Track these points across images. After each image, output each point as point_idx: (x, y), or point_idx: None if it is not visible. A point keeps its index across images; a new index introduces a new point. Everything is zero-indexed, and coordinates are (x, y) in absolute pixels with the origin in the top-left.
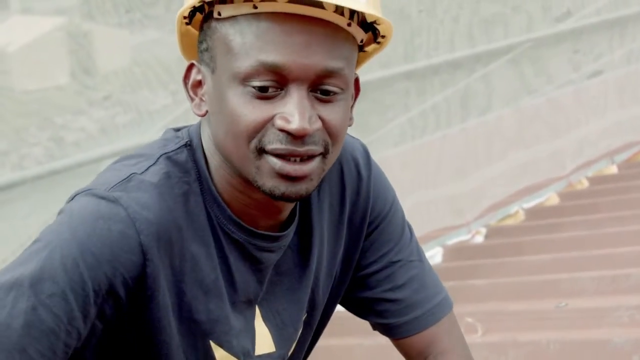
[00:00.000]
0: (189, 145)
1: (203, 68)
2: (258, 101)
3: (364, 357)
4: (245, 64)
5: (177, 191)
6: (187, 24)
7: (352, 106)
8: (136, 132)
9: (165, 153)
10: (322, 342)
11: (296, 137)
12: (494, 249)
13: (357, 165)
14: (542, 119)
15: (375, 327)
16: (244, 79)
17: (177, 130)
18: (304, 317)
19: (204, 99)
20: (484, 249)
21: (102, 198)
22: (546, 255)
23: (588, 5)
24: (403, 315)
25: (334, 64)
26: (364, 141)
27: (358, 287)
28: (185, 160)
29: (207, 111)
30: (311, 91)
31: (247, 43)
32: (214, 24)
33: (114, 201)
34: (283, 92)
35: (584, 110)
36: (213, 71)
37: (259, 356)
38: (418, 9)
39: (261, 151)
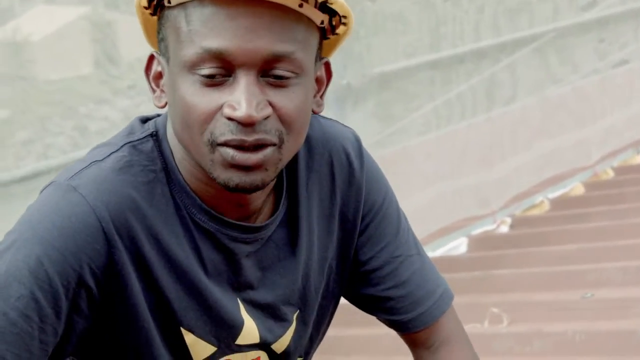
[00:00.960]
0: (154, 136)
1: (161, 59)
2: (207, 89)
3: (392, 346)
4: (190, 51)
5: (141, 179)
6: (151, 14)
7: (323, 92)
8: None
9: (130, 142)
10: (335, 332)
11: (244, 124)
12: (519, 239)
13: (347, 156)
14: (568, 108)
15: (383, 321)
16: (192, 67)
17: (145, 120)
18: (295, 313)
19: (164, 90)
20: (509, 239)
21: (62, 188)
22: (571, 245)
23: None
24: (408, 312)
25: (282, 47)
26: (388, 131)
27: (361, 284)
28: (151, 150)
29: (166, 103)
30: (262, 76)
31: (193, 30)
32: (166, 12)
33: (72, 190)
34: (231, 78)
35: (610, 100)
36: (168, 61)
37: (240, 345)
38: None
39: (214, 144)
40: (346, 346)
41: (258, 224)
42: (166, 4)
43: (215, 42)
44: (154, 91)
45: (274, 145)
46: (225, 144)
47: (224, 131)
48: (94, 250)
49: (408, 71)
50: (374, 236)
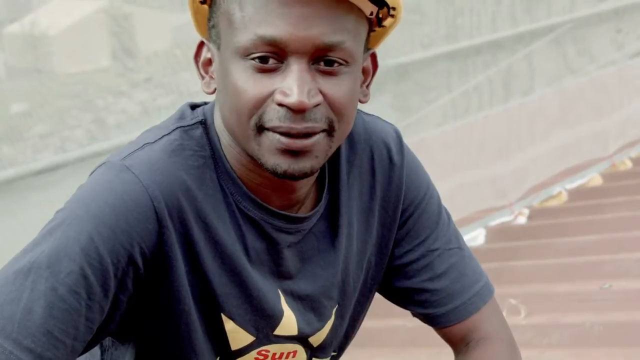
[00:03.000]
0: (203, 123)
1: (211, 45)
2: (259, 75)
3: (407, 339)
4: (244, 38)
5: (192, 163)
6: (201, 2)
7: (369, 83)
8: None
9: (181, 126)
10: (365, 323)
11: (295, 111)
12: (537, 230)
13: (389, 152)
14: (585, 99)
15: (416, 315)
16: (244, 54)
17: (194, 107)
18: (335, 308)
19: (213, 76)
20: (527, 230)
21: (115, 168)
22: (589, 236)
23: None
24: (443, 306)
25: (334, 37)
26: (405, 122)
27: (395, 276)
28: (200, 136)
29: (215, 89)
30: (313, 64)
31: (246, 17)
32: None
33: (126, 170)
34: (283, 65)
35: (627, 90)
36: (219, 48)
37: (278, 336)
38: None
39: (261, 129)
40: (361, 338)
41: (301, 214)
42: None
43: (270, 29)
44: (202, 77)
45: (324, 131)
46: (273, 130)
47: (272, 117)
48: (145, 229)
49: (425, 62)
50: (413, 230)
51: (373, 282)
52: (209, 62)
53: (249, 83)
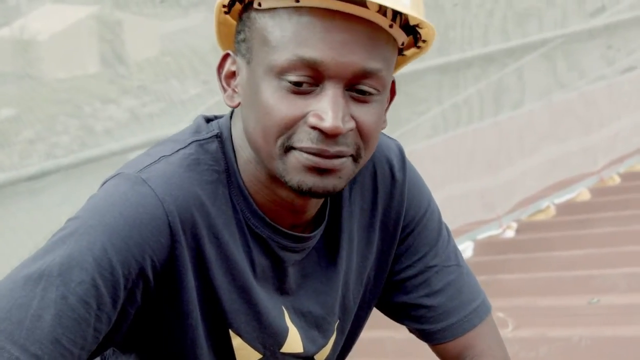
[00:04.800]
0: (219, 137)
1: (239, 59)
2: (292, 96)
3: (395, 350)
4: (282, 57)
5: (206, 178)
6: (225, 13)
7: (386, 109)
8: (168, 121)
9: (197, 140)
10: None
11: (328, 136)
12: (524, 244)
13: (391, 168)
14: (575, 114)
15: (412, 331)
16: (280, 73)
17: (208, 120)
18: (336, 323)
19: (237, 90)
20: (515, 244)
21: (131, 180)
22: (577, 251)
23: (622, 0)
24: (439, 322)
25: (372, 64)
26: (395, 134)
27: (393, 291)
28: (216, 150)
29: (239, 103)
30: (347, 90)
31: (286, 36)
32: (253, 14)
33: (142, 182)
34: (318, 88)
35: (617, 106)
36: (249, 62)
37: (285, 354)
38: (453, 3)
39: (288, 149)
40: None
41: (305, 234)
42: (255, 6)
43: (310, 51)
44: (225, 90)
45: (351, 156)
46: (302, 150)
47: (302, 138)
48: (158, 242)
49: (416, 75)
50: (412, 246)
51: (372, 296)
52: (232, 74)
53: (283, 103)
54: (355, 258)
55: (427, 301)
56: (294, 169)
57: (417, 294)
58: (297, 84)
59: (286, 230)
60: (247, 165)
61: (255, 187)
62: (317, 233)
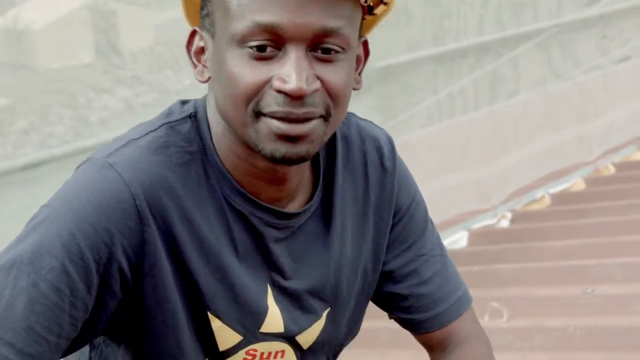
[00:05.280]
0: (193, 116)
1: (205, 34)
2: (256, 62)
3: (390, 340)
4: (241, 25)
5: (176, 160)
6: None
7: (361, 70)
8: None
9: (168, 122)
10: None
11: (294, 98)
12: (519, 233)
13: (381, 157)
14: (569, 103)
15: (398, 320)
16: (241, 41)
17: (185, 102)
18: (326, 310)
19: (206, 65)
20: (510, 234)
21: (98, 164)
22: (572, 240)
23: None
24: (427, 311)
25: (332, 22)
26: (390, 124)
27: (382, 281)
28: (188, 131)
29: (209, 77)
30: (310, 51)
31: (243, 4)
32: None
33: (109, 167)
34: (281, 52)
35: (612, 96)
36: (213, 36)
37: (264, 333)
38: None
39: (258, 114)
40: None
41: (291, 211)
42: None
43: (267, 16)
44: (195, 66)
45: (321, 117)
46: (271, 115)
47: (270, 103)
48: (126, 226)
49: (411, 64)
50: (401, 236)
51: (370, 289)
52: (201, 50)
53: (246, 70)
54: (349, 247)
55: (416, 290)
56: (266, 136)
57: (407, 283)
58: (260, 48)
59: (266, 205)
60: (223, 140)
61: (233, 162)
62: (302, 212)
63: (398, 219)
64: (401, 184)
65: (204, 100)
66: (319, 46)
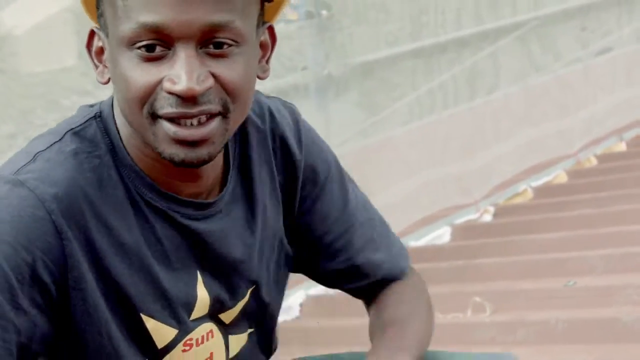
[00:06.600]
0: (98, 117)
1: (102, 34)
2: (146, 64)
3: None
4: (127, 27)
5: (87, 166)
6: None
7: (268, 57)
8: None
9: (72, 129)
10: (335, 322)
11: (185, 99)
12: (502, 227)
13: (283, 133)
14: (550, 96)
15: (347, 291)
16: (130, 43)
17: (92, 105)
18: (250, 288)
19: (107, 65)
20: (492, 228)
21: (9, 182)
22: (555, 233)
23: None
24: (370, 277)
25: (219, 17)
26: (371, 120)
27: (319, 259)
28: (94, 134)
29: (109, 78)
30: (202, 47)
31: (128, 5)
32: None
33: (20, 184)
34: (171, 52)
35: (592, 88)
36: (107, 36)
37: (194, 321)
38: None
39: (154, 116)
40: (326, 337)
41: (209, 200)
42: None
43: (151, 16)
44: (96, 67)
45: (219, 114)
46: (166, 117)
47: (163, 104)
48: (45, 242)
49: (390, 60)
50: (322, 211)
51: (287, 260)
52: (101, 50)
53: (137, 72)
54: (269, 226)
55: (353, 261)
56: (163, 140)
57: (343, 256)
58: (149, 48)
59: (183, 198)
60: (131, 139)
61: (144, 161)
62: (219, 199)
63: (316, 193)
64: (312, 156)
65: (110, 100)
66: (210, 41)
